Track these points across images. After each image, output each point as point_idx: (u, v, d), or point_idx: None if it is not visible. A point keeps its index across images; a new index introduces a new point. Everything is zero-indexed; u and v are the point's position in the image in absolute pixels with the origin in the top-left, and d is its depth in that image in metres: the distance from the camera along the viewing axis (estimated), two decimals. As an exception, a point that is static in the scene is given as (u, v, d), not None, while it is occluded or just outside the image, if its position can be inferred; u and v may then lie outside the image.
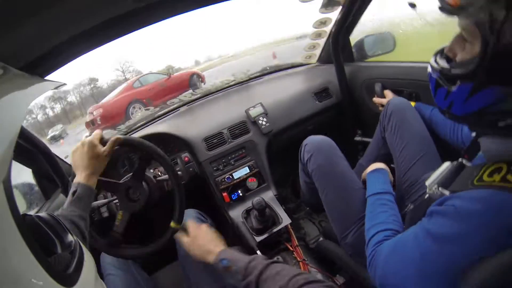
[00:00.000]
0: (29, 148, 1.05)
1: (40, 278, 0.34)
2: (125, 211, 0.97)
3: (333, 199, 1.06)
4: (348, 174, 1.07)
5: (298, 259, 1.14)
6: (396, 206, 0.87)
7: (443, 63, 0.60)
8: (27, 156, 1.12)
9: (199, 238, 0.88)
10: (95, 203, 1.08)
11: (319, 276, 1.10)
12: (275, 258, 1.18)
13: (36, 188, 1.27)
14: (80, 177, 0.81)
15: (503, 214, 0.49)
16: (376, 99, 1.38)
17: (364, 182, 1.06)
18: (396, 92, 1.34)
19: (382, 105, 1.34)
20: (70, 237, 0.46)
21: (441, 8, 0.55)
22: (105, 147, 0.87)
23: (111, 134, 1.52)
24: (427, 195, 0.74)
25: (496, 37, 0.47)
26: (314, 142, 1.14)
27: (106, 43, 0.76)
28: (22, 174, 1.26)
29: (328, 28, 1.55)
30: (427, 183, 0.70)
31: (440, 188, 0.66)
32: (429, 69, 0.64)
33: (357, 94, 1.56)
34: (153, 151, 0.96)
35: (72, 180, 0.83)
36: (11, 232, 0.32)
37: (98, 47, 0.76)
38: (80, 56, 0.74)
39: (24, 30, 0.46)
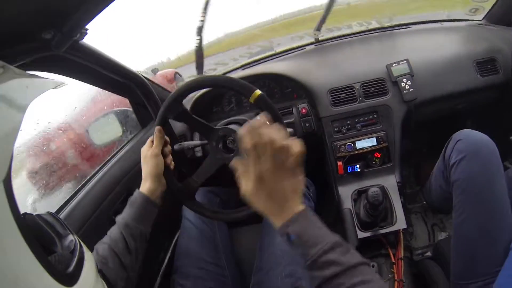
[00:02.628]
0: (122, 81, 1.06)
1: (40, 277, 0.34)
2: (213, 160, 0.81)
3: (470, 231, 0.76)
4: (505, 203, 0.75)
5: (396, 278, 0.92)
6: None
7: None
8: (121, 87, 1.12)
9: (263, 190, 0.50)
10: (186, 143, 0.95)
11: None
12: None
13: (133, 115, 1.26)
14: (143, 188, 0.79)
15: None
16: None
17: None
18: None
19: None
20: (71, 236, 0.46)
21: None
22: (152, 147, 0.81)
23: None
24: None
25: None
26: (473, 141, 0.81)
27: None
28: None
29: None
30: None
31: None
32: None
33: (533, 76, 1.16)
34: (224, 80, 0.77)
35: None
36: (11, 232, 0.32)
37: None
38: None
39: None
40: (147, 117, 1.23)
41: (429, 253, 1.15)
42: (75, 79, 0.94)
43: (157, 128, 0.80)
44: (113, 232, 0.71)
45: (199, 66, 1.37)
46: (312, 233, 0.48)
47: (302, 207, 0.51)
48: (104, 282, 0.52)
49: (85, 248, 0.48)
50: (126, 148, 1.11)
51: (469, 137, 0.82)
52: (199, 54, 1.34)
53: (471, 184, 0.77)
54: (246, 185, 0.51)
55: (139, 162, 0.81)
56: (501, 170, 0.78)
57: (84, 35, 0.75)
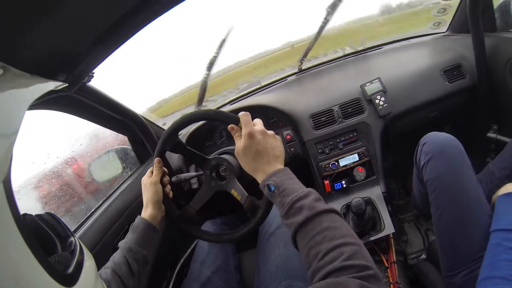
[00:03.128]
0: (120, 119, 1.10)
1: (40, 278, 0.34)
2: (208, 188, 0.86)
3: (448, 224, 0.83)
4: (475, 194, 0.82)
5: (391, 281, 0.97)
6: None
7: None
8: (121, 125, 1.18)
9: (253, 147, 0.64)
10: (183, 176, 1.00)
11: None
12: None
13: (132, 153, 1.32)
14: (144, 214, 0.82)
15: None
16: None
17: (493, 204, 0.82)
18: None
19: None
20: (71, 237, 0.47)
21: None
22: (151, 177, 0.85)
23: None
24: None
25: None
26: (436, 141, 0.89)
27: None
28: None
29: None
30: None
31: None
32: None
33: (498, 76, 1.23)
34: (214, 113, 0.80)
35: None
36: (11, 232, 0.32)
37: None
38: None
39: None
40: (146, 154, 1.30)
41: (423, 256, 1.20)
42: (82, 118, 1.01)
43: (156, 159, 0.85)
44: (116, 256, 0.73)
45: (200, 100, 1.44)
46: (288, 184, 0.57)
47: (282, 166, 0.63)
48: (104, 283, 0.53)
49: (85, 249, 0.48)
50: (127, 183, 1.17)
51: (434, 139, 0.90)
52: (203, 88, 1.41)
53: (440, 181, 0.85)
54: (239, 143, 0.66)
55: (140, 195, 0.86)
56: (467, 163, 0.85)
57: (91, 78, 0.80)
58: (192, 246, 1.37)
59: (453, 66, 1.28)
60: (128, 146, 1.32)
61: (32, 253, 0.33)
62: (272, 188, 0.58)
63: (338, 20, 1.35)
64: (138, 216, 0.82)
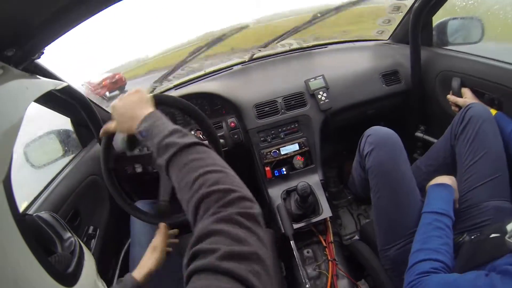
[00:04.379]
0: (67, 100, 1.06)
1: (40, 278, 0.34)
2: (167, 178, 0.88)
3: (386, 205, 0.95)
4: (410, 181, 0.95)
5: (329, 258, 1.09)
6: (452, 234, 0.77)
7: None
8: (65, 106, 1.14)
9: (123, 110, 0.66)
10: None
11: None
12: (304, 252, 1.12)
13: (74, 135, 1.28)
14: (139, 275, 0.75)
15: None
16: (450, 97, 1.20)
17: (421, 190, 0.94)
18: (476, 93, 1.16)
19: (456, 105, 1.18)
20: (71, 237, 0.46)
21: None
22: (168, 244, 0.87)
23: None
24: (491, 225, 0.67)
25: None
26: (379, 134, 1.01)
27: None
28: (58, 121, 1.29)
29: (409, 2, 1.34)
30: (509, 227, 0.60)
31: None
32: None
33: (429, 85, 1.38)
34: (191, 109, 0.86)
35: None
36: (11, 232, 0.32)
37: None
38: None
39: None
40: (88, 137, 1.28)
41: (356, 237, 1.32)
42: None
43: (163, 224, 0.88)
44: None
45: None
46: (157, 126, 0.58)
47: (152, 109, 0.62)
48: (104, 282, 0.53)
49: (85, 249, 0.48)
50: (69, 167, 1.13)
51: (377, 131, 1.02)
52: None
53: (381, 168, 0.96)
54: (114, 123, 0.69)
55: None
56: (404, 155, 0.97)
57: (41, 55, 0.75)
58: None
59: (391, 72, 1.41)
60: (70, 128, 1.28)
61: (32, 253, 0.34)
62: (144, 134, 0.58)
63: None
64: (130, 276, 0.74)
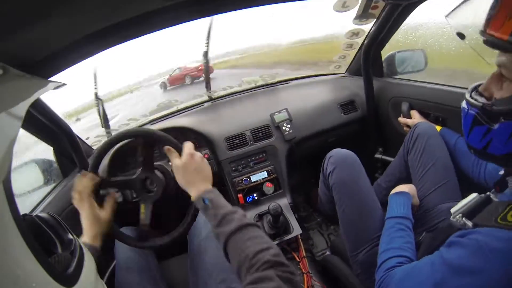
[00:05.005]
0: (52, 128, 1.09)
1: (40, 278, 0.34)
2: (146, 202, 0.97)
3: (350, 215, 1.06)
4: (369, 192, 1.08)
5: (303, 271, 1.17)
6: (413, 234, 0.88)
7: (483, 100, 0.60)
8: (50, 135, 1.17)
9: (192, 165, 0.80)
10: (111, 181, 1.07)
11: None
12: None
13: (55, 165, 1.30)
14: (85, 238, 0.83)
15: None
16: (401, 119, 1.37)
17: (382, 203, 1.07)
18: (423, 114, 1.33)
19: (407, 125, 1.34)
20: (70, 237, 0.46)
21: (486, 42, 0.54)
22: (104, 211, 0.89)
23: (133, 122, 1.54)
24: (445, 222, 0.76)
25: None
26: (340, 155, 1.15)
27: (121, 43, 0.75)
28: (40, 151, 1.30)
29: (360, 40, 1.54)
30: (452, 210, 0.71)
31: (464, 218, 0.66)
32: (464, 105, 0.64)
33: (383, 110, 1.56)
34: (151, 134, 0.93)
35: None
36: (11, 232, 0.32)
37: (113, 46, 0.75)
38: (90, 56, 0.75)
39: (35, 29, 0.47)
40: (69, 168, 1.30)
41: (327, 252, 1.39)
42: None
43: (113, 193, 0.93)
44: None
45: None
46: (220, 201, 0.71)
47: (211, 186, 0.77)
48: (103, 283, 0.53)
49: (84, 249, 0.48)
50: (52, 196, 1.15)
51: (338, 153, 1.15)
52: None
53: (343, 184, 1.08)
54: (178, 161, 0.81)
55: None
56: (362, 171, 1.10)
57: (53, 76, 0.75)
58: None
59: (348, 101, 1.59)
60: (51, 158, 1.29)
61: (32, 254, 0.33)
62: (207, 202, 0.71)
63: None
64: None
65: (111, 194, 0.91)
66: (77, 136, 1.29)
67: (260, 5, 0.84)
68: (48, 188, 1.23)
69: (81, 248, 0.47)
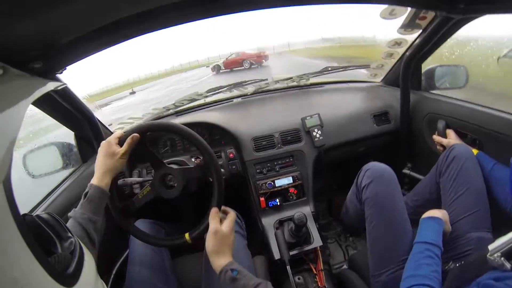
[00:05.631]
0: (75, 114, 1.10)
1: (40, 278, 0.34)
2: (153, 191, 0.93)
3: (380, 233, 1.02)
4: (403, 212, 1.03)
5: (319, 285, 1.14)
6: (440, 263, 0.84)
7: None
8: (72, 121, 1.18)
9: (230, 238, 0.83)
10: (129, 180, 1.08)
11: None
12: (296, 278, 1.17)
13: (75, 149, 1.30)
14: (94, 178, 0.82)
15: None
16: (436, 137, 1.31)
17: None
18: (459, 134, 1.27)
19: (441, 145, 1.28)
20: (71, 237, 0.46)
21: None
22: (121, 147, 0.87)
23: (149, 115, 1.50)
24: (475, 253, 0.74)
25: None
26: (377, 169, 1.11)
27: (132, 38, 0.73)
28: (61, 134, 1.31)
29: (401, 50, 1.47)
30: (490, 247, 0.67)
31: (502, 258, 0.63)
32: None
33: (417, 125, 1.49)
34: (189, 134, 0.88)
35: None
36: (11, 232, 0.32)
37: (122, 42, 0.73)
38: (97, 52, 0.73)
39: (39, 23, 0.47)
40: (89, 153, 1.30)
41: (345, 266, 1.37)
42: (35, 105, 0.97)
43: (135, 134, 0.86)
44: (74, 229, 0.69)
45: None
46: (246, 272, 0.75)
47: (232, 259, 0.80)
48: (103, 282, 0.54)
49: (85, 249, 0.49)
50: (70, 180, 1.15)
51: (375, 166, 1.12)
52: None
53: (377, 200, 1.05)
54: (216, 225, 0.82)
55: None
56: (398, 188, 1.07)
57: (63, 70, 0.77)
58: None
59: (382, 112, 1.52)
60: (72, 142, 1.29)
61: (32, 253, 0.34)
62: (236, 273, 0.74)
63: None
64: (92, 185, 0.80)
65: (133, 137, 0.87)
66: (100, 121, 1.29)
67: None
68: (66, 172, 1.23)
69: (81, 248, 0.47)
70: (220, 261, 0.78)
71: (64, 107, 1.05)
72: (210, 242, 0.81)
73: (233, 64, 9.76)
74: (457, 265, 0.87)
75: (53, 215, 0.47)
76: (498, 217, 0.98)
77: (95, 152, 1.20)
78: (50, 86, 0.53)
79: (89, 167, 1.23)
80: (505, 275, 0.58)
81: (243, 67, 9.71)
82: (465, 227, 0.98)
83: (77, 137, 1.28)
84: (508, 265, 0.60)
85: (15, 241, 0.32)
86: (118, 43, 0.72)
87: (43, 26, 0.49)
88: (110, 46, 0.72)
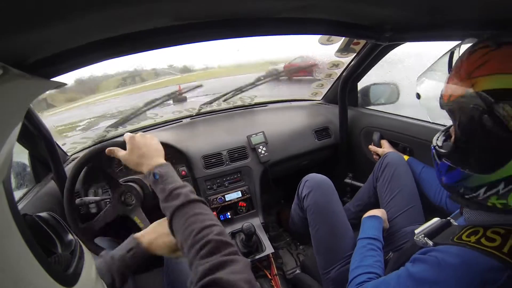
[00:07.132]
0: (31, 131, 1.07)
1: (40, 278, 0.34)
2: (113, 210, 0.97)
3: (323, 235, 1.14)
4: (341, 215, 1.17)
5: None
6: (382, 254, 0.96)
7: (438, 141, 0.73)
8: (27, 138, 1.16)
9: (136, 146, 0.77)
10: (87, 199, 1.11)
11: None
12: None
13: (29, 169, 1.26)
14: (144, 239, 0.76)
15: (473, 269, 0.58)
16: (372, 147, 1.47)
17: (351, 227, 1.16)
18: (392, 144, 1.44)
19: (377, 154, 1.44)
20: (71, 237, 0.46)
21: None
22: None
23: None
24: (409, 243, 0.86)
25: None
26: (315, 179, 1.24)
27: (131, 54, 0.72)
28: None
29: (339, 71, 1.65)
30: (416, 231, 0.79)
31: (425, 238, 0.75)
32: (433, 142, 0.74)
33: (355, 138, 1.66)
34: (93, 153, 0.94)
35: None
36: (11, 232, 0.32)
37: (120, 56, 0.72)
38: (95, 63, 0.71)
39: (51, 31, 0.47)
40: (42, 173, 1.26)
41: (297, 270, 1.46)
42: None
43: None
44: (101, 272, 0.68)
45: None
46: (170, 175, 0.71)
47: (165, 162, 0.76)
48: (104, 283, 0.53)
49: (85, 249, 0.48)
50: (25, 201, 1.10)
51: (313, 177, 1.25)
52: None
53: (317, 206, 1.18)
54: (123, 152, 0.78)
55: None
56: (335, 195, 1.20)
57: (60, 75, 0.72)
58: None
59: (322, 128, 1.68)
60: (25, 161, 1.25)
61: (32, 253, 0.33)
62: (157, 176, 0.70)
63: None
64: (140, 245, 0.75)
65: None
66: (56, 143, 1.25)
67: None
68: (19, 193, 1.18)
69: (81, 248, 0.47)
70: (144, 168, 0.74)
71: (25, 125, 1.01)
72: (129, 165, 0.77)
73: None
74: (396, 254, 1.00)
75: (53, 215, 0.46)
76: (431, 211, 1.12)
77: (49, 172, 1.22)
78: (51, 85, 0.53)
79: (43, 187, 1.20)
80: (429, 249, 0.69)
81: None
82: (401, 223, 1.12)
83: (31, 156, 1.24)
84: (430, 242, 0.72)
85: (15, 241, 0.32)
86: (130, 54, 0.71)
87: (44, 37, 0.49)
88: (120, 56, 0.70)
